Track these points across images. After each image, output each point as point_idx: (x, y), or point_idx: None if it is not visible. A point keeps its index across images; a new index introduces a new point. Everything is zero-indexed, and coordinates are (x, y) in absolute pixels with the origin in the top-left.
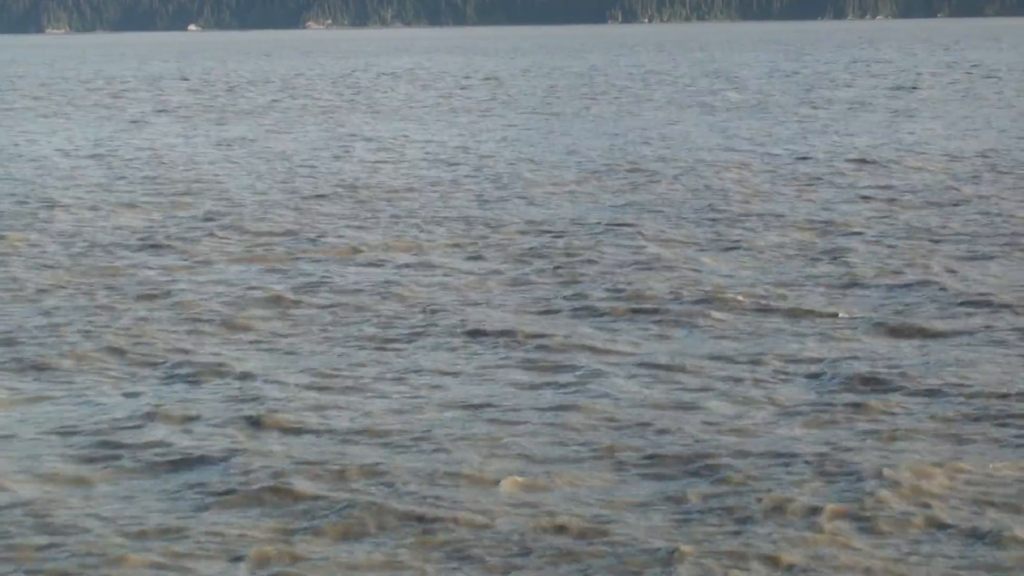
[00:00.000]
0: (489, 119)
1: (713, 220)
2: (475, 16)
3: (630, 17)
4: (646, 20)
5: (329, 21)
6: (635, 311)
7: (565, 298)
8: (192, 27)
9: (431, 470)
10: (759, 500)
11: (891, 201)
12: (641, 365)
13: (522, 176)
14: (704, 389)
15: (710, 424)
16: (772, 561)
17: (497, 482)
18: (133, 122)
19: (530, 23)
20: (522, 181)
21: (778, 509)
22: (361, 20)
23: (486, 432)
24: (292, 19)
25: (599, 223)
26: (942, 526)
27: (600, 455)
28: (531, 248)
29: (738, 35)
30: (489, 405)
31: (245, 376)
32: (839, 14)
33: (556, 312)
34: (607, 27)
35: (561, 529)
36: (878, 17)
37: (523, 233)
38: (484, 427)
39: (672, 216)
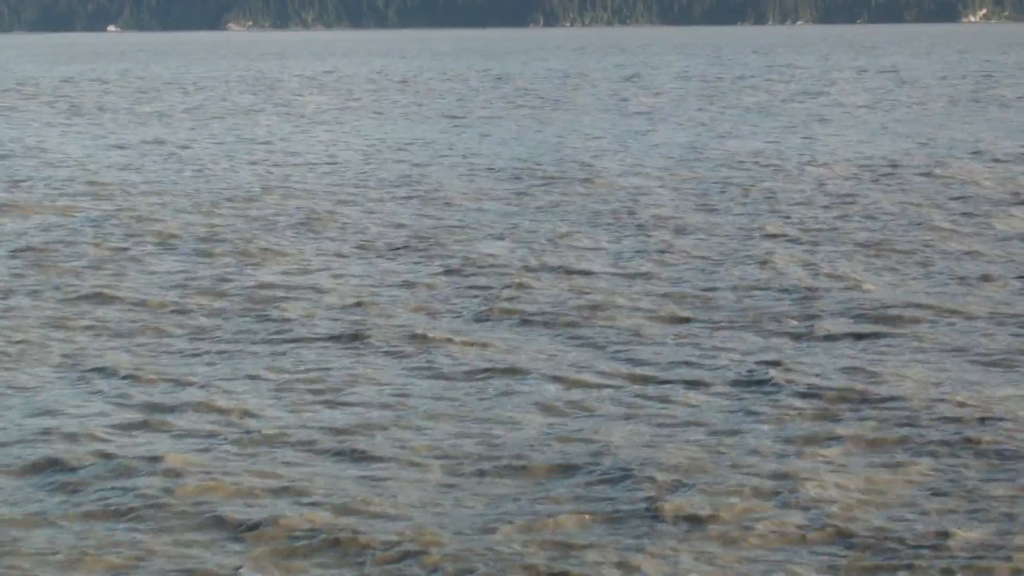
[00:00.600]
0: (404, 122)
1: (621, 227)
2: (397, 19)
3: (552, 21)
4: (567, 24)
5: (250, 23)
6: (542, 319)
7: (470, 303)
8: (112, 28)
9: (318, 476)
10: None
11: (798, 205)
12: (543, 376)
13: (431, 180)
14: (613, 399)
15: (621, 434)
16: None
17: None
18: (47, 124)
19: (452, 26)
20: (430, 185)
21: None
22: (282, 22)
23: (387, 437)
24: (213, 20)
25: (507, 228)
26: (849, 534)
27: (485, 465)
28: (436, 254)
29: (658, 39)
30: (391, 409)
31: (134, 379)
32: (760, 19)
33: (459, 317)
34: (529, 31)
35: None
36: (798, 23)
37: (424, 238)
38: (387, 432)
39: (579, 222)
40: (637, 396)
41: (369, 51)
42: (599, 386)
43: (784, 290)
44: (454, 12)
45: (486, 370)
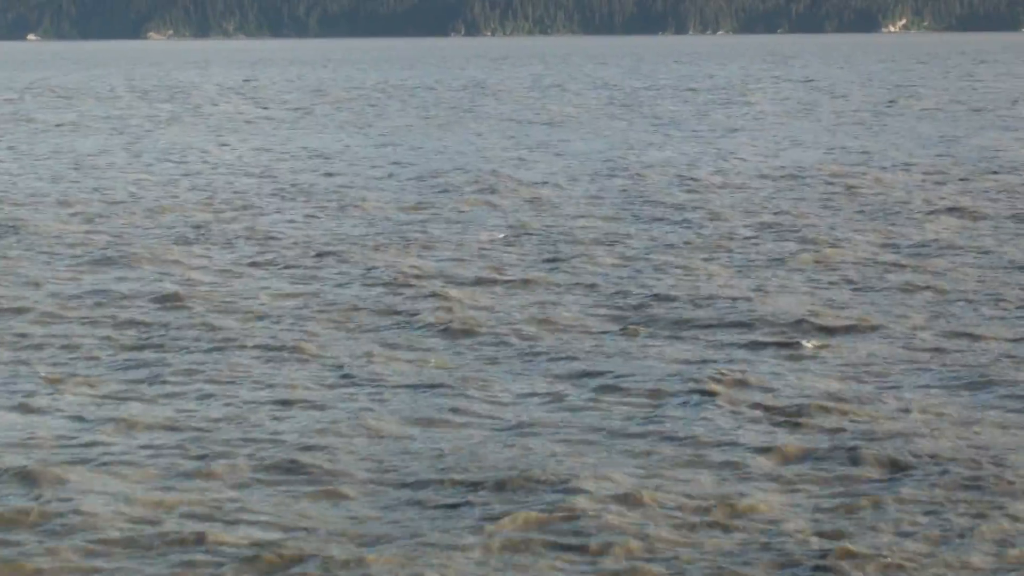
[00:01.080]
0: (316, 132)
1: (533, 237)
2: (318, 28)
3: (473, 30)
4: (489, 33)
5: (171, 32)
6: (462, 329)
7: (385, 314)
8: (31, 36)
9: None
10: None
11: (712, 216)
12: (465, 387)
13: (344, 189)
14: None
15: (525, 441)
16: None
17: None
18: None
19: (373, 35)
20: (343, 194)
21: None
22: (203, 31)
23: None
24: (133, 29)
25: (417, 237)
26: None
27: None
28: (349, 264)
29: (579, 49)
30: (282, 417)
31: (53, 392)
32: (680, 29)
33: (357, 326)
34: (450, 40)
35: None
36: (719, 32)
37: (335, 248)
38: (280, 437)
39: (483, 231)
40: (560, 405)
41: (287, 60)
42: (527, 395)
43: (694, 300)
44: (375, 21)
45: (407, 385)
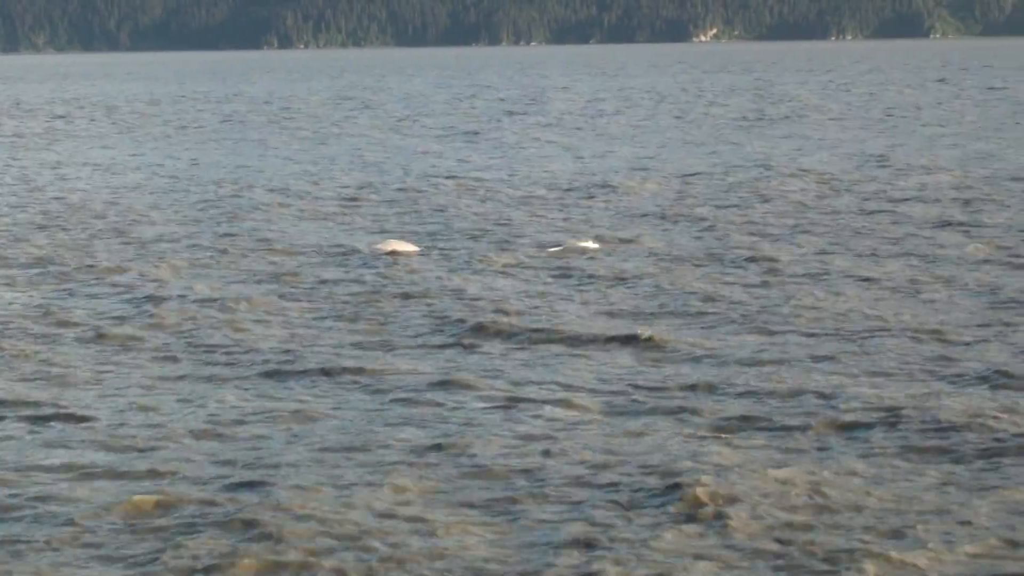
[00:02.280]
0: (108, 145)
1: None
2: (129, 42)
3: (286, 43)
4: (302, 46)
5: None
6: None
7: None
8: None
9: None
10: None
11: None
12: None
13: (130, 204)
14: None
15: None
16: None
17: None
18: None
19: (186, 49)
20: (130, 210)
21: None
22: (11, 46)
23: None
24: None
25: (179, 250)
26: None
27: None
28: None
29: (398, 61)
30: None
31: None
32: (493, 40)
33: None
34: (264, 53)
35: None
36: (532, 43)
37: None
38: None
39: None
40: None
41: (105, 75)
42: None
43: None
44: (187, 35)
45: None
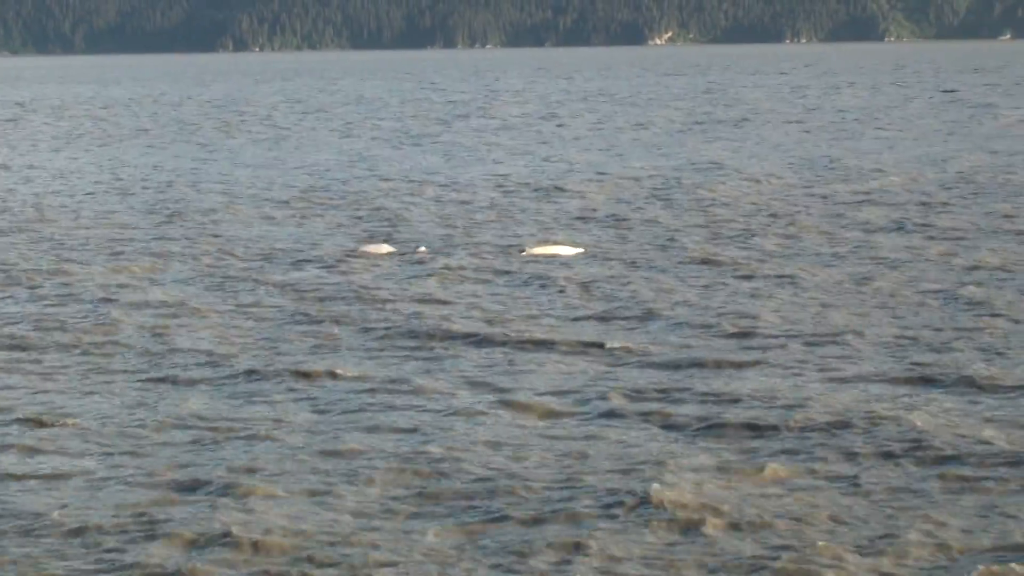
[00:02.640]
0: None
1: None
2: (84, 45)
3: (241, 46)
4: (257, 49)
5: None
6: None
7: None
8: None
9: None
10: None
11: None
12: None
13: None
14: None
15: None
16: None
17: None
18: None
19: (141, 52)
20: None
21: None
22: None
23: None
24: None
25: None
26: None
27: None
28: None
29: (353, 64)
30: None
31: None
32: (449, 43)
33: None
34: (219, 56)
35: None
36: (487, 46)
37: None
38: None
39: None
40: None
41: (63, 78)
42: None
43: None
44: (142, 38)
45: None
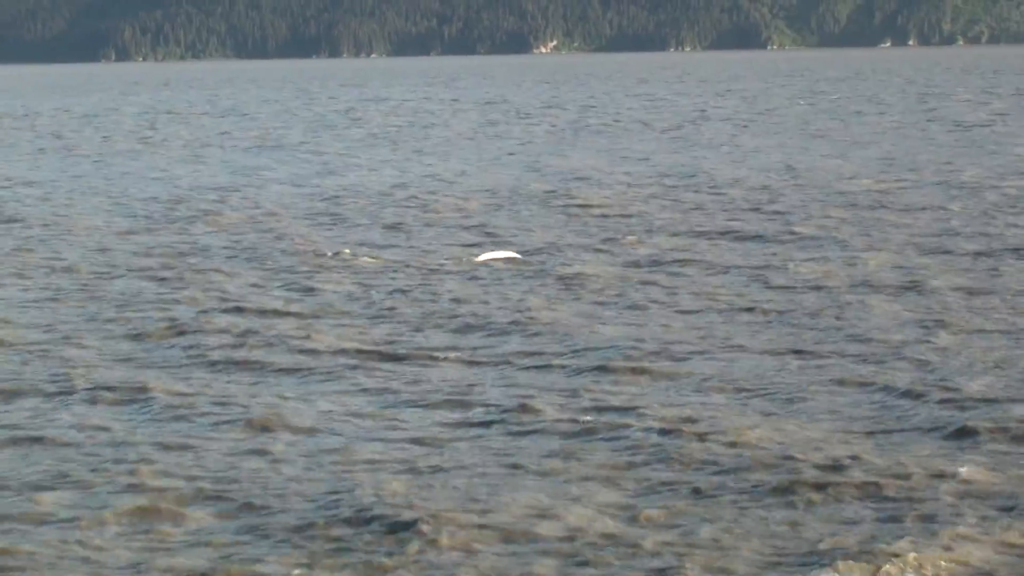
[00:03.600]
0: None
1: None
2: None
3: (123, 56)
4: (140, 59)
5: None
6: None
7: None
8: None
9: None
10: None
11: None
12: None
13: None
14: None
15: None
16: None
17: None
18: None
19: (21, 62)
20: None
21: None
22: None
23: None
24: None
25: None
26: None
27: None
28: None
29: (238, 73)
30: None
31: None
32: (334, 52)
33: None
34: (102, 66)
35: None
36: (372, 55)
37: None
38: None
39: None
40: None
41: None
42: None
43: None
44: (22, 48)
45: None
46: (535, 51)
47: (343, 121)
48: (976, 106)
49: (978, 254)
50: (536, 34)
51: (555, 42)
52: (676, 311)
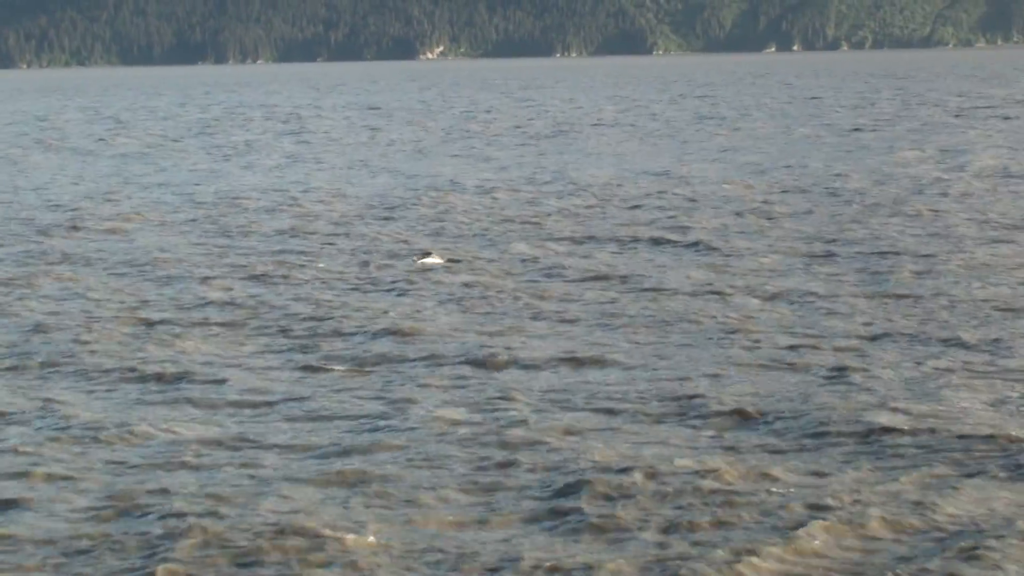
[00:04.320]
0: None
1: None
2: None
3: (7, 63)
4: (25, 66)
5: None
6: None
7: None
8: None
9: None
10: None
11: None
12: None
13: None
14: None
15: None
16: None
17: None
18: None
19: None
20: None
21: None
22: None
23: None
24: None
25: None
26: None
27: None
28: None
29: (121, 80)
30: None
31: None
32: (220, 59)
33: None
34: None
35: None
36: (259, 61)
37: None
38: None
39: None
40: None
41: None
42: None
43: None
44: None
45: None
46: (421, 57)
47: (219, 128)
48: (856, 111)
49: (857, 255)
50: (423, 40)
51: (441, 48)
52: (535, 318)
